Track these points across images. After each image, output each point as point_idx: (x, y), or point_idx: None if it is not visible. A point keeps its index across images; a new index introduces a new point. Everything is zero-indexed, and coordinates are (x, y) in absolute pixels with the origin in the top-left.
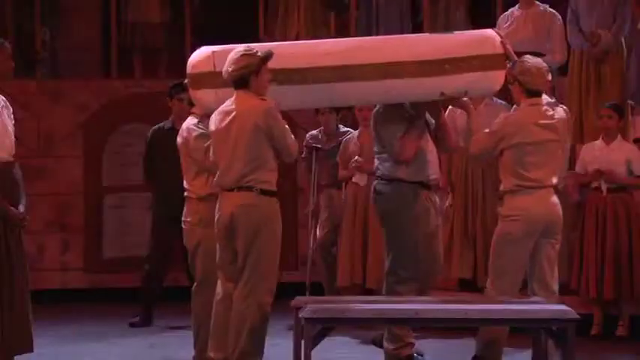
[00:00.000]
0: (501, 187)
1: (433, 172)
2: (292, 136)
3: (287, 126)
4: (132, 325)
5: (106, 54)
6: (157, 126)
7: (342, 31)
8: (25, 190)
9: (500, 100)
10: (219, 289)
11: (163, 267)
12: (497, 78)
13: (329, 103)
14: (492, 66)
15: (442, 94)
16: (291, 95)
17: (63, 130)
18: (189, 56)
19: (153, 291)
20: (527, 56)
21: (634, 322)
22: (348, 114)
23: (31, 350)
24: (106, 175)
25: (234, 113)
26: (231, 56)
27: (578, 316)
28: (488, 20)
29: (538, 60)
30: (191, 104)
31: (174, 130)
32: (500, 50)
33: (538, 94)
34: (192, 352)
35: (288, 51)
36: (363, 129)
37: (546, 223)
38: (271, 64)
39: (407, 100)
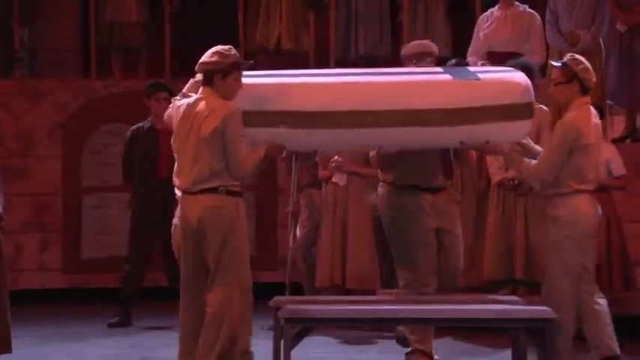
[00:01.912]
0: (553, 190)
1: (432, 176)
2: (247, 152)
3: (244, 140)
4: (111, 325)
5: (85, 54)
6: (135, 126)
7: (322, 32)
8: (4, 189)
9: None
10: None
11: (142, 267)
12: (523, 128)
13: (345, 147)
14: (518, 115)
15: (462, 142)
16: (308, 139)
17: (42, 130)
18: (169, 56)
19: (132, 291)
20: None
21: (612, 321)
22: None
23: (9, 351)
24: (85, 175)
25: (197, 108)
26: (207, 52)
27: (556, 316)
28: (467, 21)
29: None
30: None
31: (153, 130)
32: (528, 99)
33: (589, 93)
34: (173, 352)
35: (308, 91)
36: None
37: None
38: (290, 105)
39: (424, 147)
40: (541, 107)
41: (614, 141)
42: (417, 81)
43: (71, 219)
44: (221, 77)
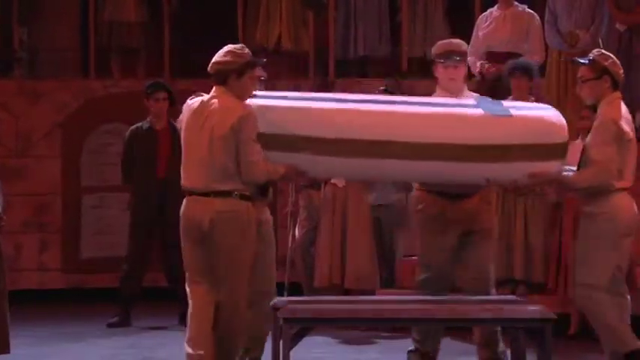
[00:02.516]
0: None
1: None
2: (260, 157)
3: (258, 146)
4: (110, 325)
5: (84, 54)
6: (134, 126)
7: (321, 31)
8: (3, 190)
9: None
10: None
11: (142, 267)
12: (555, 167)
13: (369, 176)
14: (550, 156)
15: (487, 180)
16: (331, 166)
17: (41, 130)
18: (168, 56)
19: (131, 291)
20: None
21: None
22: None
23: (7, 351)
24: (84, 175)
25: (212, 107)
26: (220, 51)
27: (555, 316)
28: (466, 20)
29: None
30: (172, 104)
31: (152, 130)
32: (562, 139)
33: (619, 88)
34: (172, 351)
35: (333, 116)
36: None
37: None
38: (314, 130)
39: (448, 182)
40: None
41: None
42: (446, 113)
43: (70, 219)
44: (236, 77)
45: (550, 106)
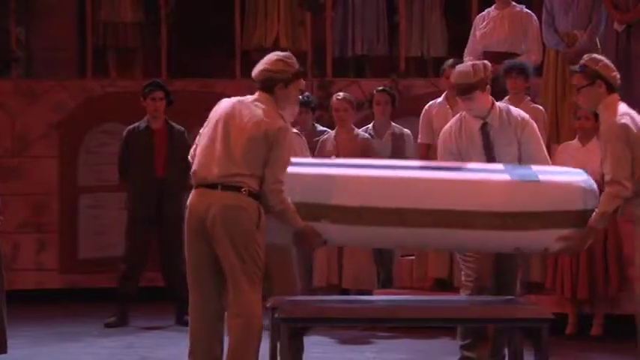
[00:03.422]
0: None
1: None
2: (284, 183)
3: (288, 164)
4: (108, 325)
5: (81, 54)
6: (132, 126)
7: (319, 31)
8: (0, 190)
9: None
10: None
11: (139, 267)
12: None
13: (393, 245)
14: (581, 222)
15: (517, 249)
16: (351, 235)
17: (38, 130)
18: (165, 56)
19: (128, 291)
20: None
21: (608, 321)
22: (324, 114)
23: (4, 351)
24: (81, 175)
25: (250, 109)
26: (268, 56)
27: (552, 316)
28: (464, 21)
29: None
30: (169, 103)
31: (149, 130)
32: (591, 205)
33: (616, 90)
34: (169, 352)
35: (352, 184)
36: (339, 129)
37: None
38: (333, 198)
39: (474, 250)
40: (536, 107)
41: None
42: (470, 179)
43: (67, 219)
44: (283, 86)
45: (580, 170)
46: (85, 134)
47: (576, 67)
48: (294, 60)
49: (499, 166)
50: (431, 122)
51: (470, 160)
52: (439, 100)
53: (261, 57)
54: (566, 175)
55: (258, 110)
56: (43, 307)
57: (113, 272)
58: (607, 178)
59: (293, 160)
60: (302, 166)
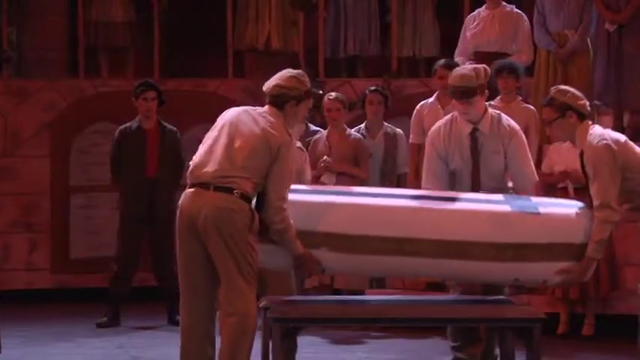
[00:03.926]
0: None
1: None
2: (288, 193)
3: (291, 180)
4: (99, 325)
5: (73, 53)
6: (123, 126)
7: (311, 31)
8: None
9: None
10: (188, 312)
11: (131, 267)
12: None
13: (392, 274)
14: (582, 256)
15: (516, 279)
16: (349, 263)
17: (30, 130)
18: (157, 55)
19: (120, 291)
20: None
21: (599, 320)
22: (316, 114)
23: None
24: (73, 174)
25: (258, 118)
26: (282, 73)
27: (544, 316)
28: (456, 21)
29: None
30: (161, 103)
31: (141, 130)
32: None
33: (587, 118)
34: (161, 351)
35: (352, 212)
36: (332, 129)
37: None
38: (332, 226)
39: (474, 281)
40: (527, 107)
41: None
42: (469, 210)
43: (59, 219)
44: (295, 103)
45: (580, 203)
46: (77, 134)
47: (544, 101)
48: (306, 78)
49: (499, 196)
50: (422, 122)
51: (453, 162)
52: (430, 100)
53: (254, 57)
54: (566, 208)
55: (267, 122)
56: (35, 307)
57: (105, 272)
58: (596, 202)
59: (292, 187)
60: (301, 193)
